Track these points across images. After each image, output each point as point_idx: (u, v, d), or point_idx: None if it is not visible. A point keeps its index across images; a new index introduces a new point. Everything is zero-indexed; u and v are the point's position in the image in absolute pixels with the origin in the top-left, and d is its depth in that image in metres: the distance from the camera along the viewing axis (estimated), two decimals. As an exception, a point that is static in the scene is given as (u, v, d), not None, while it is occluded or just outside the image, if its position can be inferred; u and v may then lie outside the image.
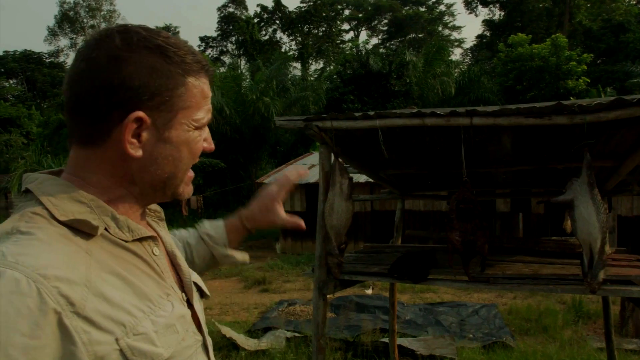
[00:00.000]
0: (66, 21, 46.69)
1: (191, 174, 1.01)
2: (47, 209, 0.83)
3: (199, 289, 1.12)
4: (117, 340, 0.79)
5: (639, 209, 11.60)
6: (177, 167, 0.96)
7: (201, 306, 1.10)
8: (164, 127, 0.91)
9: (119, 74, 0.85)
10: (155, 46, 0.89)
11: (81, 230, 0.84)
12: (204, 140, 1.00)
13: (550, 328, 7.22)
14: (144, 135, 0.90)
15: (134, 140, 0.89)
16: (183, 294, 1.01)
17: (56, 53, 48.77)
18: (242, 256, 1.39)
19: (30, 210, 0.83)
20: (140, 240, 0.94)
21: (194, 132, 0.96)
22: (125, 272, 0.87)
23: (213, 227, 1.38)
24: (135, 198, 0.96)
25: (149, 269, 0.93)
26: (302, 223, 1.41)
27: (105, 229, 0.87)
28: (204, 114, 0.97)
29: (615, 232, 11.16)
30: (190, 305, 1.02)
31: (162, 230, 1.08)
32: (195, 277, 1.12)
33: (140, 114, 0.87)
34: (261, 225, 1.40)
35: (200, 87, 0.95)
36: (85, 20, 46.55)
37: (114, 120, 0.87)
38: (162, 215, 1.11)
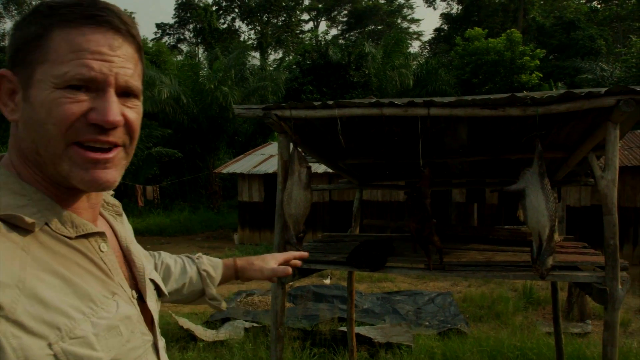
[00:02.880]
0: (12, 2, 44.60)
1: (92, 155, 0.85)
2: None
3: (157, 288, 1.09)
4: (50, 345, 0.75)
5: (586, 200, 12.09)
6: (40, 135, 0.83)
7: (157, 305, 1.07)
8: (25, 85, 0.84)
9: (9, 37, 0.86)
10: (40, 5, 0.85)
11: (18, 225, 0.78)
12: (93, 110, 0.83)
13: (503, 314, 7.46)
14: (17, 96, 0.85)
15: (10, 102, 0.85)
16: (134, 292, 0.97)
17: (2, 37, 46.62)
18: (224, 305, 1.44)
19: None
20: (86, 236, 0.89)
21: (55, 92, 0.81)
22: (65, 271, 0.82)
23: (212, 267, 1.40)
24: (49, 178, 0.88)
25: (93, 267, 0.88)
26: (297, 255, 1.59)
27: (47, 224, 0.82)
28: (72, 68, 0.81)
29: (564, 221, 11.58)
30: (143, 302, 0.99)
31: (119, 224, 1.04)
32: (154, 275, 1.09)
33: (3, 71, 0.84)
34: (252, 277, 1.46)
35: (71, 39, 0.82)
36: (34, 2, 44.63)
37: None
38: (120, 209, 1.07)
